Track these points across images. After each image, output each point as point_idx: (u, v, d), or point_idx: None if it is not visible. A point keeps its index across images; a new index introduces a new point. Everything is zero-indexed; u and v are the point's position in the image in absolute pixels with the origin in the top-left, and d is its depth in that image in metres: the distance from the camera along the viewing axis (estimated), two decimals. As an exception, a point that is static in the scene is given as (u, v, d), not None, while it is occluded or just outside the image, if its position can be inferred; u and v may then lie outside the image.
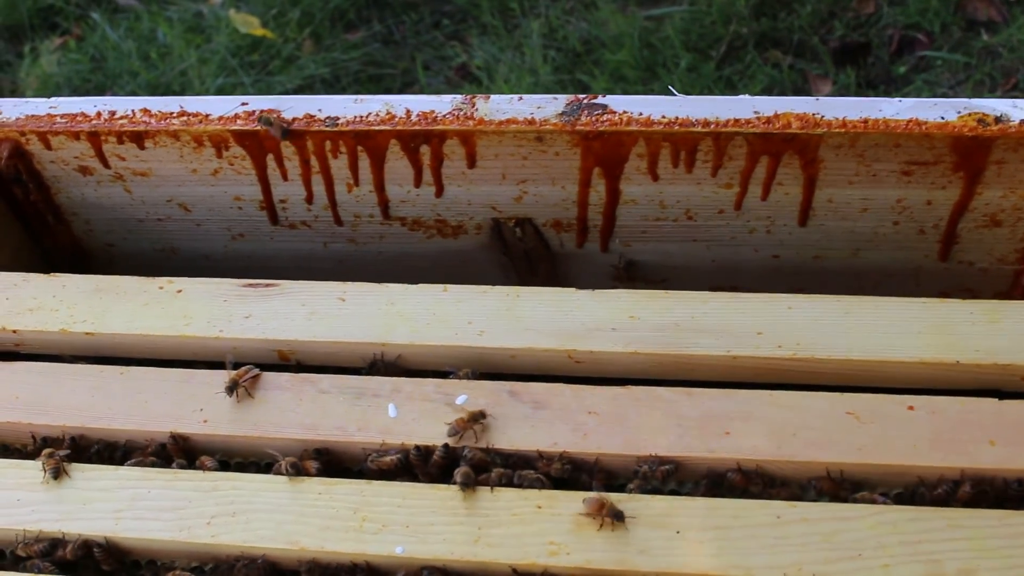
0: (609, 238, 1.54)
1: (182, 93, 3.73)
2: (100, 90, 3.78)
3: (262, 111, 1.46)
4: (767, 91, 3.46)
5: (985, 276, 1.54)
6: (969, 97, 3.46)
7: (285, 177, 1.52)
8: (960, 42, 3.49)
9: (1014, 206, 1.44)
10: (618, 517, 1.13)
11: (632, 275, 1.58)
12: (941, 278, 1.55)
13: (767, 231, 1.51)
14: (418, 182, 1.50)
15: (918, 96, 3.38)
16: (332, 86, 3.71)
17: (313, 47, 3.82)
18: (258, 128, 1.45)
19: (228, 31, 3.83)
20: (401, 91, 3.68)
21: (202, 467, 1.25)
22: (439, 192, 1.51)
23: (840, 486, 1.17)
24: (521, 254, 1.57)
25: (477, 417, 1.21)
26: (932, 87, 3.43)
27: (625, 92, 3.48)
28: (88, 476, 1.23)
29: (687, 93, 3.42)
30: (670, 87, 1.48)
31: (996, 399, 1.20)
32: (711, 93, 3.45)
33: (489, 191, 1.50)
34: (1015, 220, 1.46)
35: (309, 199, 1.55)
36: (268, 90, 3.69)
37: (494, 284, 1.39)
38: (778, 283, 1.57)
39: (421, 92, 3.64)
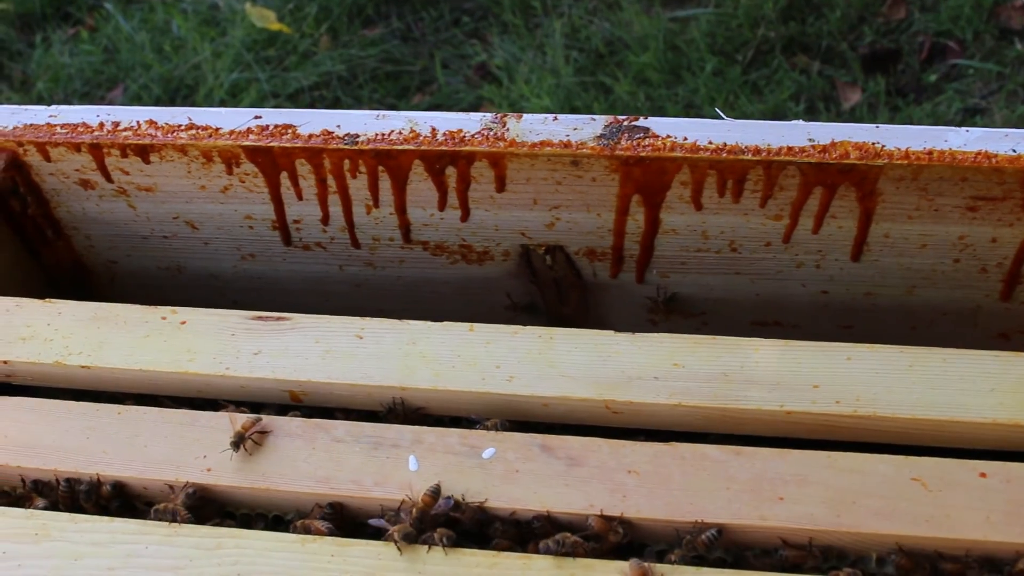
0: (646, 269, 1.44)
1: (195, 87, 3.64)
2: (112, 82, 3.69)
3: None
4: (794, 98, 3.35)
5: (1049, 318, 1.44)
6: (1001, 108, 3.33)
7: (300, 196, 1.42)
8: (992, 51, 3.38)
9: (1084, 246, 1.33)
10: None
11: (670, 308, 1.48)
12: (1001, 318, 1.44)
13: (816, 265, 1.40)
14: (443, 205, 1.40)
15: (949, 106, 3.29)
16: (349, 83, 3.61)
17: (330, 43, 3.72)
18: (272, 144, 1.35)
19: (244, 25, 3.72)
20: (419, 89, 3.58)
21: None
22: (465, 216, 1.41)
23: (918, 564, 1.06)
24: (550, 283, 1.47)
25: None
26: (964, 97, 3.31)
27: (648, 96, 3.37)
28: (80, 528, 1.12)
29: (713, 98, 3.34)
30: (718, 110, 1.37)
31: (1076, 467, 1.10)
32: (737, 98, 3.35)
33: (519, 216, 1.40)
34: (1084, 260, 1.35)
35: (325, 220, 1.45)
36: (283, 86, 3.59)
37: (519, 313, 1.29)
38: (825, 320, 1.46)
39: (439, 91, 3.54)
